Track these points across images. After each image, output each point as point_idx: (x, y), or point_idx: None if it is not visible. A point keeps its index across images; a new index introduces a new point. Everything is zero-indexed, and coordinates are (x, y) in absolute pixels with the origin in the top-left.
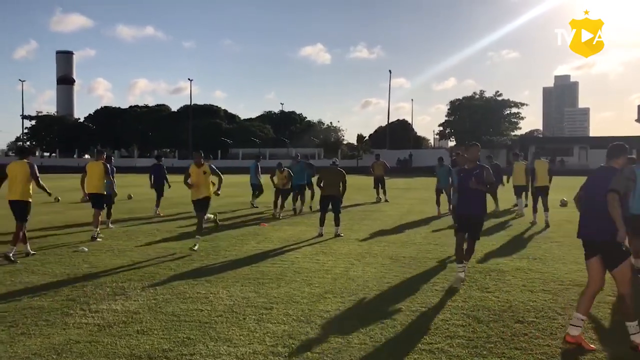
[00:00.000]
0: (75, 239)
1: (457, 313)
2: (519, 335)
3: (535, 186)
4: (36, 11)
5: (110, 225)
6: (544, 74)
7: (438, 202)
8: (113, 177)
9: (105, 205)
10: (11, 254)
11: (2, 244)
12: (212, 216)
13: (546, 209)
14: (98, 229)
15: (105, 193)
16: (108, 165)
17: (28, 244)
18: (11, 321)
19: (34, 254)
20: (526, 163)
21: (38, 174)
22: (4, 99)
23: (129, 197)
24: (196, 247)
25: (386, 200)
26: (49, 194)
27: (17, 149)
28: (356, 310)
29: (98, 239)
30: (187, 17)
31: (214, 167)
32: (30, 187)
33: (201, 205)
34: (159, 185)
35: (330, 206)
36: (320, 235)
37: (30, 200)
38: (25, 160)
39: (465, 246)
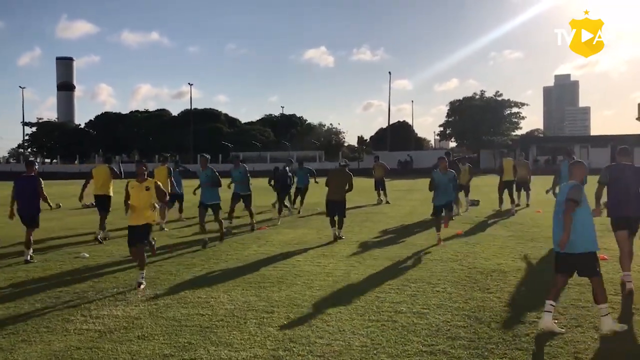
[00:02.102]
0: (76, 246)
1: (458, 314)
2: (521, 335)
3: (503, 180)
4: (42, 18)
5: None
6: (547, 73)
7: (438, 227)
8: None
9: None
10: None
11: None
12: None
13: (512, 201)
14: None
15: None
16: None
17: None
18: (12, 328)
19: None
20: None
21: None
22: (8, 107)
23: None
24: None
25: (387, 202)
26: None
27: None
28: (357, 313)
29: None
30: (192, 22)
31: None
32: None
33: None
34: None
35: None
36: (334, 237)
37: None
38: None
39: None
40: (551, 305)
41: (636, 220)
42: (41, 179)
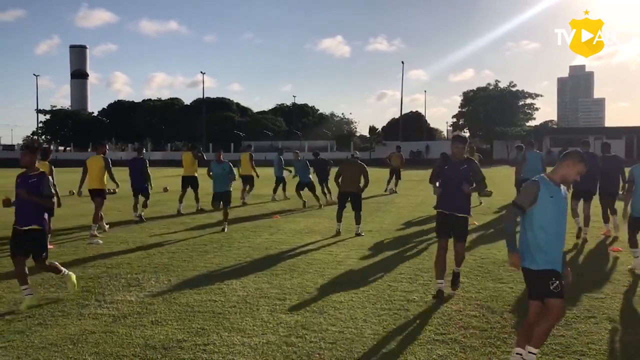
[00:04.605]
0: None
1: (470, 304)
2: None
3: None
4: (62, 7)
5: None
6: (564, 64)
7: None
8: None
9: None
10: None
11: None
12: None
13: None
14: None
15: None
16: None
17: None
18: (28, 312)
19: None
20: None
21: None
22: (26, 94)
23: (165, 190)
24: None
25: (395, 192)
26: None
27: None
28: (369, 301)
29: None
30: (211, 11)
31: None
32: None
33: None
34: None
35: (350, 204)
36: (338, 233)
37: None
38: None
39: None
40: None
41: None
42: (147, 161)
